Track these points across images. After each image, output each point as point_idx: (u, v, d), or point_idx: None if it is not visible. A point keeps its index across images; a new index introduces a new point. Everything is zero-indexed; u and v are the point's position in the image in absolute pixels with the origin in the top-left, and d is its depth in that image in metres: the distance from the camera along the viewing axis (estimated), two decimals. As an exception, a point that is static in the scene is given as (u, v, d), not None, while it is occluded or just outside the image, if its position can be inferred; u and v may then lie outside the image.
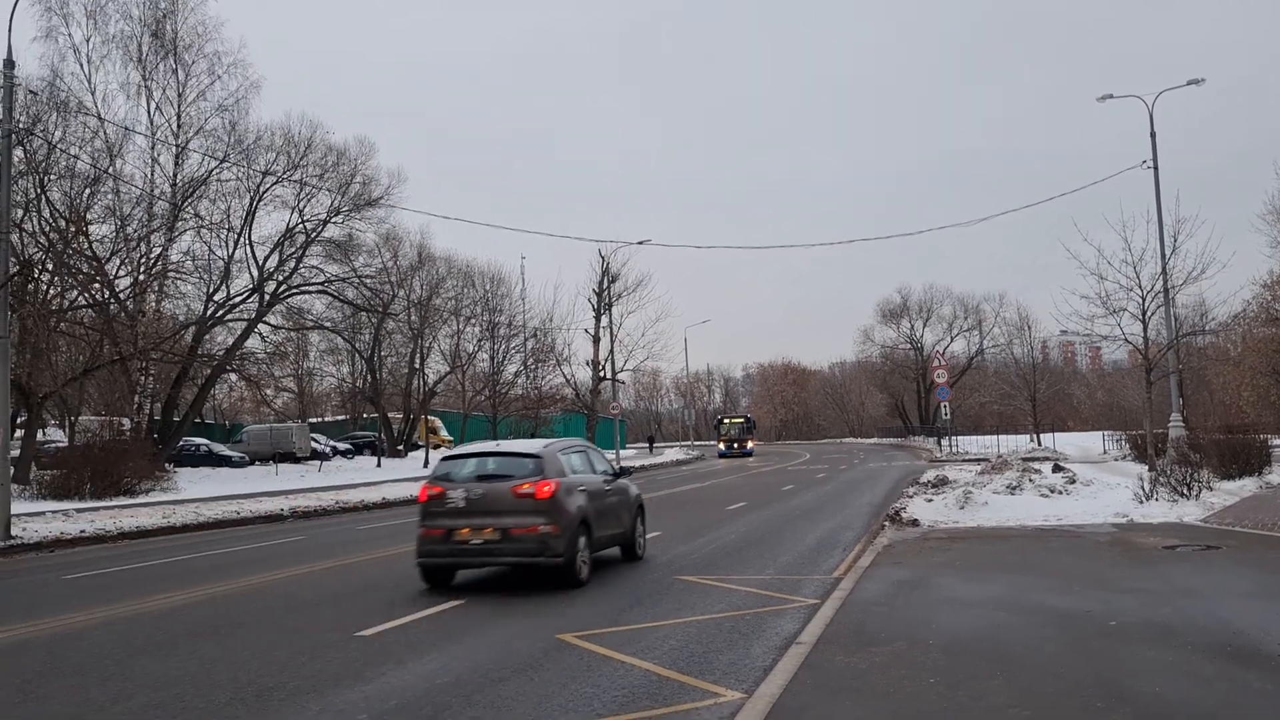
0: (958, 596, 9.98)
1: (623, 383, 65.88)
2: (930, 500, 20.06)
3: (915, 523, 17.22)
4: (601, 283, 58.89)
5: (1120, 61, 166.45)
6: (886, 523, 17.58)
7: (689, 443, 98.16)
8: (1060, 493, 20.08)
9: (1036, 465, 26.58)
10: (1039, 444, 55.57)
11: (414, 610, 10.30)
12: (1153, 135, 30.66)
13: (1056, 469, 25.01)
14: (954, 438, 58.94)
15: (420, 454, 55.78)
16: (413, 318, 56.43)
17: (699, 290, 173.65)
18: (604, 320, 58.76)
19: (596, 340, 58.97)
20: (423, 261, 58.26)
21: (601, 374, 59.27)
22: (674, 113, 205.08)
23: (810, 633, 8.32)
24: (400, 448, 59.92)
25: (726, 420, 73.90)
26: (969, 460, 42.06)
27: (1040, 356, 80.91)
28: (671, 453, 69.52)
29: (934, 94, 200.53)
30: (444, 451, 61.66)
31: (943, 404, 54.27)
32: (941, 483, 24.57)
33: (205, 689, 7.36)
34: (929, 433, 75.33)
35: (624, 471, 14.75)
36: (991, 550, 13.46)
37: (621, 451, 62.11)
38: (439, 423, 67.61)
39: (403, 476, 40.76)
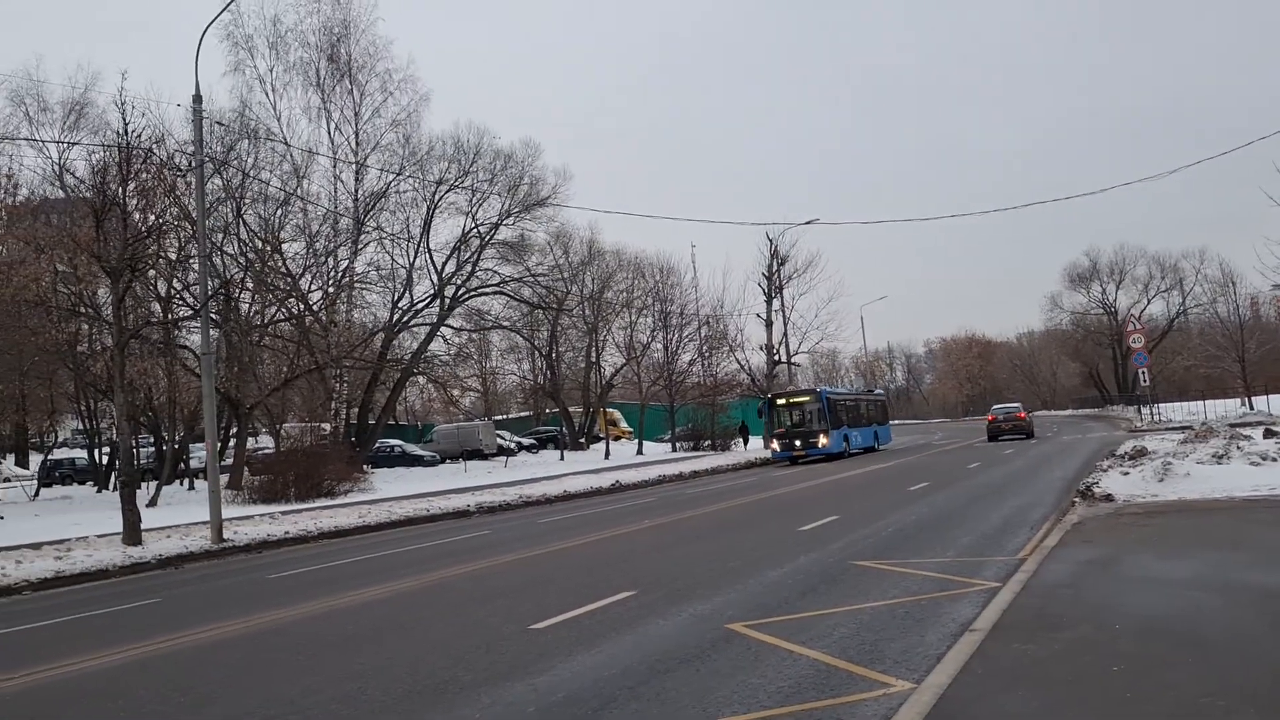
0: (1152, 576, 9.36)
1: (798, 365, 65.05)
2: (1126, 473, 18.92)
3: (1109, 497, 16.28)
4: (770, 266, 58.27)
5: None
6: (1078, 499, 16.70)
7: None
8: (1273, 460, 18.56)
9: (1246, 431, 24.72)
10: (1250, 408, 51.75)
11: (586, 603, 10.44)
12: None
13: (1268, 434, 23.19)
14: (1155, 405, 55.54)
15: (601, 446, 56.76)
16: (587, 312, 57.41)
17: (873, 267, 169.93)
18: (775, 303, 58.18)
19: (769, 324, 58.41)
20: (593, 256, 59.22)
21: (776, 357, 58.72)
22: (823, 90, 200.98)
23: (986, 618, 7.97)
24: (582, 440, 61.08)
25: (784, 400, 43.91)
26: (1172, 429, 39.54)
27: (1249, 314, 75.24)
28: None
29: (1099, 46, 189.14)
30: (624, 443, 62.34)
31: (1141, 370, 51.21)
32: (1139, 454, 23.17)
33: (386, 682, 7.67)
34: (1128, 401, 71.30)
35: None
36: (1192, 525, 12.57)
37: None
38: (618, 414, 68.55)
39: (584, 469, 41.56)
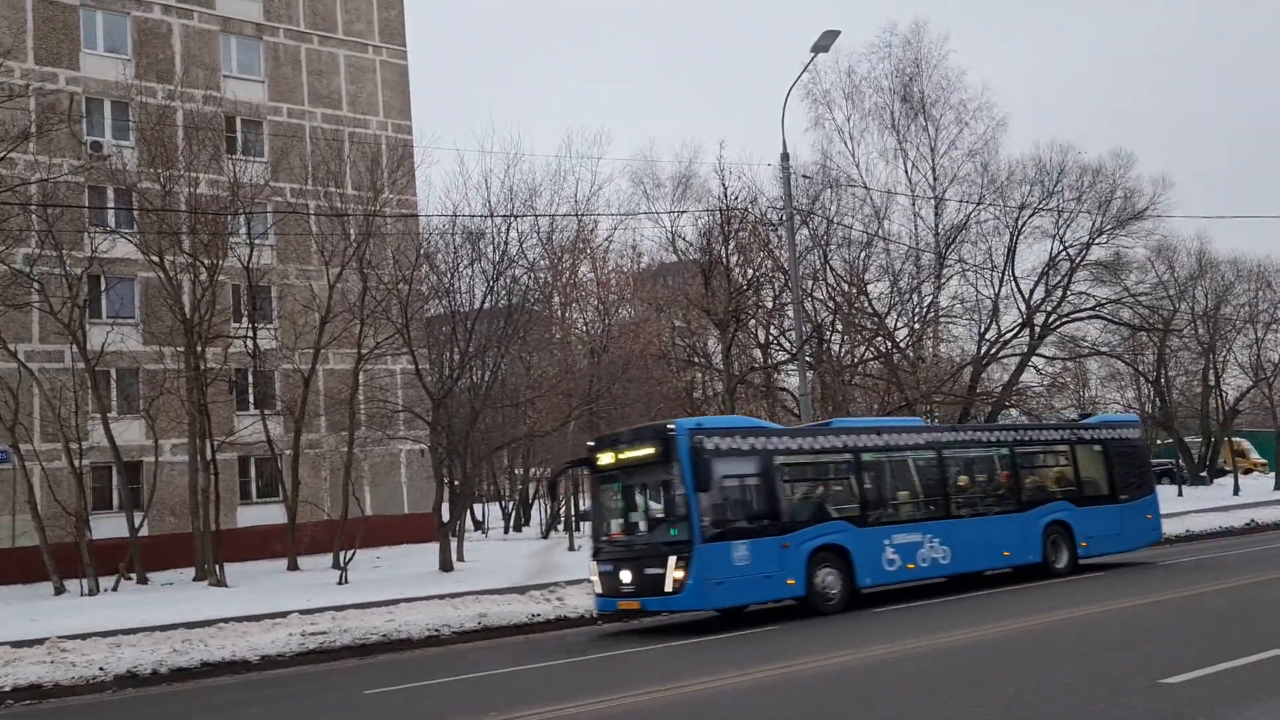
0: None
1: None
2: None
3: None
4: None
5: None
6: None
7: None
8: None
9: None
10: None
11: (1228, 658, 9.12)
12: None
13: None
14: None
15: (1227, 480, 50.55)
16: (1200, 331, 51.62)
17: None
18: None
19: None
20: (1204, 269, 53.10)
21: None
22: None
23: None
24: (1203, 474, 54.77)
25: (609, 456, 15.92)
26: None
27: None
28: None
29: None
30: (1256, 477, 54.89)
31: None
32: None
33: None
34: None
35: None
36: None
37: None
38: (1247, 444, 60.73)
39: (1208, 506, 37.04)
